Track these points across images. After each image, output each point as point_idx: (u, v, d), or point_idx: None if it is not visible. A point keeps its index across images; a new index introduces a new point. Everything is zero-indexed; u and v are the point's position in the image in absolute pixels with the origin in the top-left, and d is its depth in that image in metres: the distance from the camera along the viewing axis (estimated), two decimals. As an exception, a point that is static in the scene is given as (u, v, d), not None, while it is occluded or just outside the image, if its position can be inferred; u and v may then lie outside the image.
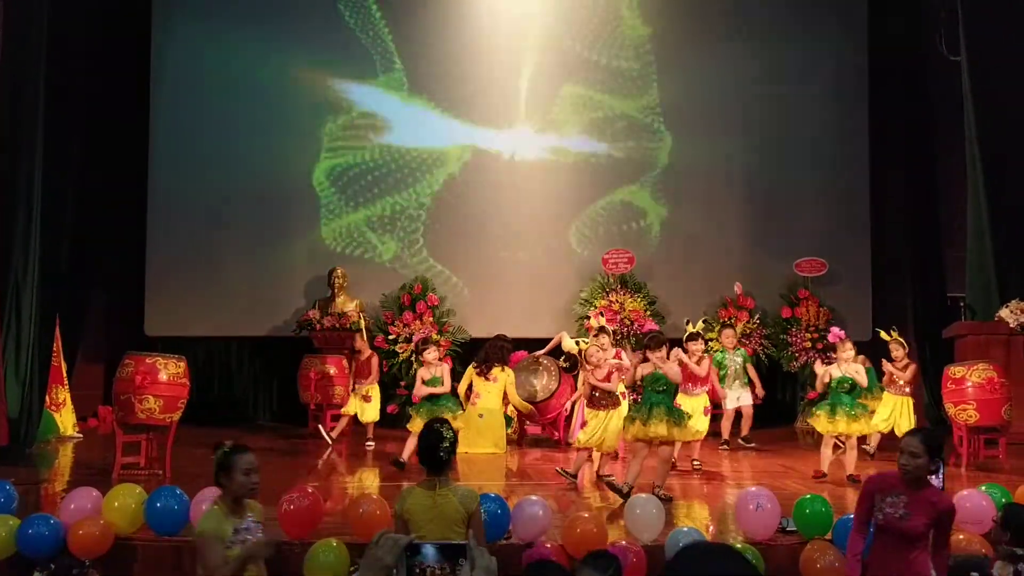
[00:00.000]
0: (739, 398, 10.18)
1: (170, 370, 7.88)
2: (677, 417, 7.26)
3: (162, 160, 12.32)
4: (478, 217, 12.52)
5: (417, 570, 2.31)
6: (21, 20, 8.93)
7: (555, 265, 12.47)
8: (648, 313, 11.91)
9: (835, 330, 9.30)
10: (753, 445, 10.08)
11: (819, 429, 8.29)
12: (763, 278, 12.36)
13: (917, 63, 12.44)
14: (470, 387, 10.01)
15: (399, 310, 11.82)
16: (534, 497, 5.95)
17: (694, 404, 8.87)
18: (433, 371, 8.75)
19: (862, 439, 8.74)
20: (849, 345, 8.55)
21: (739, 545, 5.56)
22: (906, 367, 9.43)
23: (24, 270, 8.84)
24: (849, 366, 8.27)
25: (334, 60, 12.55)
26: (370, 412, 10.18)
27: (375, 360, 10.45)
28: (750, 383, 10.33)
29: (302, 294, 12.16)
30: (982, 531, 5.78)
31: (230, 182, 12.31)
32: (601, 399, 7.81)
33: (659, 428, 7.10)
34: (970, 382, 8.62)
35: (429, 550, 2.33)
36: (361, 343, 10.46)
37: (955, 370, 8.84)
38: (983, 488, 6.20)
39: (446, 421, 4.56)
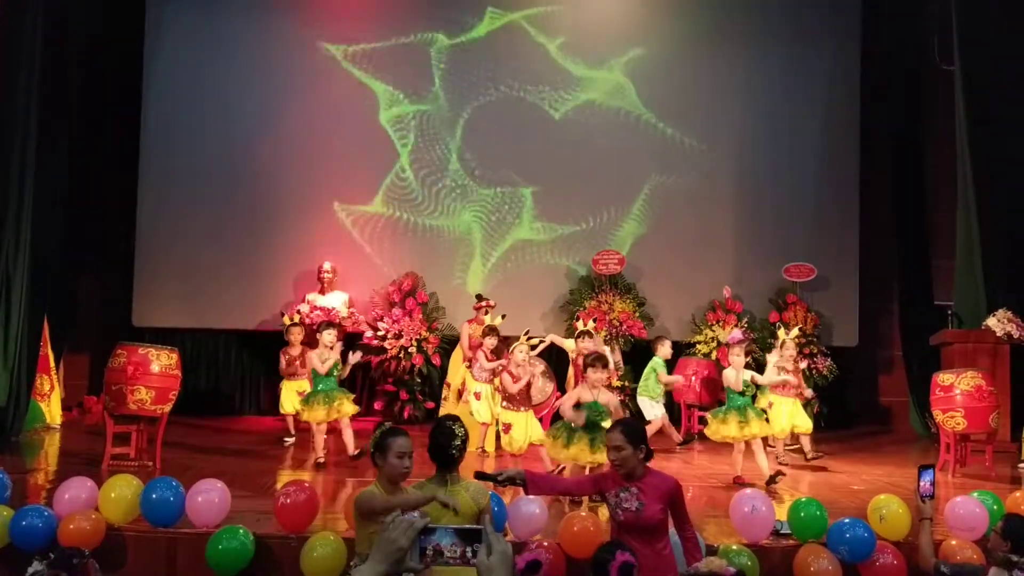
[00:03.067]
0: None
1: (162, 361, 7.84)
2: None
3: (152, 151, 12.19)
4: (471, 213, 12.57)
5: (430, 552, 2.27)
6: (16, 10, 8.86)
7: (545, 265, 12.49)
8: (637, 315, 11.94)
9: (735, 333, 9.35)
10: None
11: (712, 436, 8.25)
12: (752, 282, 12.43)
13: (909, 71, 12.54)
14: (463, 383, 10.00)
15: (388, 306, 11.79)
16: (530, 495, 5.93)
17: None
18: (327, 354, 8.58)
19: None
20: (741, 349, 8.58)
21: (734, 547, 5.58)
22: (794, 371, 9.41)
23: (14, 259, 8.77)
24: (743, 371, 8.29)
25: (331, 51, 12.52)
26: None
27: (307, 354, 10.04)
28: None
29: (291, 288, 12.10)
30: (974, 537, 5.84)
31: (220, 174, 12.21)
32: (519, 399, 8.01)
33: (601, 456, 6.79)
34: (959, 389, 8.66)
35: (444, 533, 2.29)
36: (296, 337, 10.13)
37: (944, 377, 8.90)
38: (975, 495, 6.25)
39: (457, 418, 4.55)
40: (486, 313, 10.10)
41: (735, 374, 8.17)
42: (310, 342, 11.08)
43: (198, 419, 10.81)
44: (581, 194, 12.63)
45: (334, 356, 8.61)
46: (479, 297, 10.59)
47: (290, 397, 9.80)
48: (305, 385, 9.64)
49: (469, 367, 9.85)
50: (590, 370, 7.02)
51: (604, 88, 12.77)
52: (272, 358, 11.65)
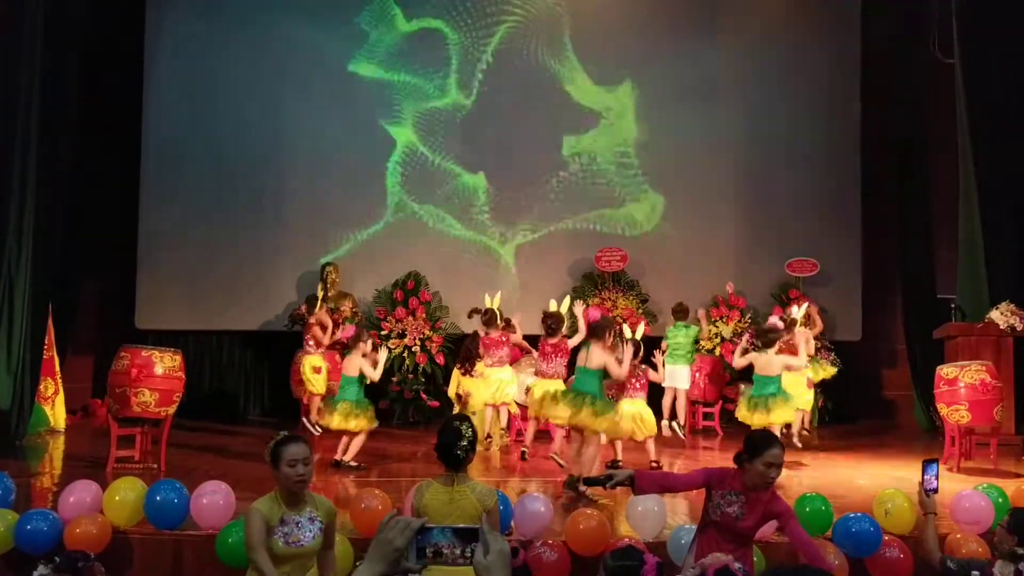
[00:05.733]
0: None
1: (166, 363, 7.84)
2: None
3: (153, 153, 12.24)
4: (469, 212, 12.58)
5: (428, 551, 2.26)
6: (16, 12, 8.87)
7: (547, 261, 12.49)
8: (640, 311, 11.94)
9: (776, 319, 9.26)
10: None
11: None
12: (755, 277, 12.43)
13: (910, 64, 12.49)
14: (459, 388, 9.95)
15: (392, 305, 11.80)
16: (536, 493, 5.95)
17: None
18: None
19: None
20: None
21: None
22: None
23: (17, 262, 8.77)
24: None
25: (330, 53, 12.52)
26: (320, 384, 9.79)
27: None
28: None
29: (294, 289, 12.11)
30: (980, 531, 5.82)
31: (222, 175, 12.24)
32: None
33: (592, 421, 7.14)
34: (963, 383, 8.63)
35: (441, 532, 2.27)
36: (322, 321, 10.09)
37: (948, 371, 8.87)
38: (980, 488, 6.24)
39: (467, 418, 4.54)
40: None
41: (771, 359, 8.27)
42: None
43: (202, 421, 10.81)
44: (583, 191, 12.65)
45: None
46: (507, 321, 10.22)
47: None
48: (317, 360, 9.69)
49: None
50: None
51: (603, 85, 12.76)
52: (277, 358, 11.71)
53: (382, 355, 8.71)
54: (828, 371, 10.83)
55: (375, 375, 8.48)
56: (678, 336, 10.52)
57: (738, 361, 8.67)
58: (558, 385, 7.76)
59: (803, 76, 12.80)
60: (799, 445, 9.28)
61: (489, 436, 9.31)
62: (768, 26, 12.76)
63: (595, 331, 7.31)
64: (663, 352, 9.77)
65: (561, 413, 7.25)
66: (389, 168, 12.52)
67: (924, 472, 4.71)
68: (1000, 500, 6.04)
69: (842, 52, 12.85)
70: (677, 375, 10.31)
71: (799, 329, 9.75)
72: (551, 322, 8.13)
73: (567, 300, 9.00)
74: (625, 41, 12.76)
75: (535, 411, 7.83)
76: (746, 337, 9.42)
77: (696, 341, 10.81)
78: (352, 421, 8.19)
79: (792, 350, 9.21)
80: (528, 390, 8.65)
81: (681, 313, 10.78)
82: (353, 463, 8.22)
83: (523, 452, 8.50)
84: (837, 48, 12.86)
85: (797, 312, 10.00)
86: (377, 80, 12.57)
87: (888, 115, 12.73)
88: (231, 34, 12.35)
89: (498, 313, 9.62)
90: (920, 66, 12.35)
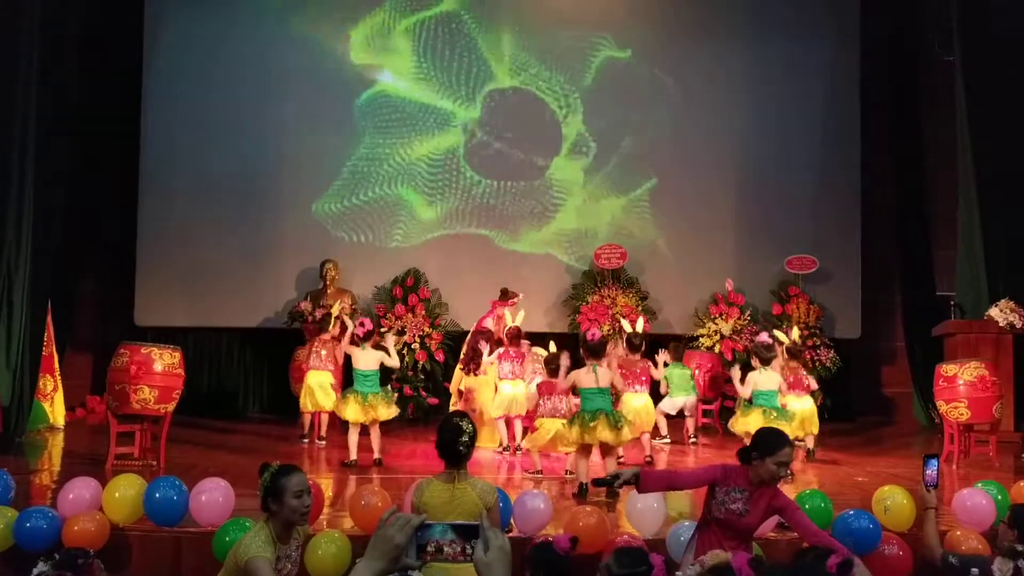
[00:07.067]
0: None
1: (165, 360, 7.82)
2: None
3: (153, 149, 12.21)
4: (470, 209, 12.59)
5: (429, 547, 2.25)
6: (14, 10, 8.86)
7: (547, 259, 12.49)
8: (640, 309, 11.93)
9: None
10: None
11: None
12: (754, 275, 12.44)
13: (910, 61, 12.50)
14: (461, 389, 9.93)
15: (391, 303, 11.80)
16: (536, 490, 5.94)
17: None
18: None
19: None
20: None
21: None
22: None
23: (16, 259, 8.76)
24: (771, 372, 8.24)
25: (330, 50, 12.50)
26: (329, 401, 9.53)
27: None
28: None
29: (293, 286, 12.11)
30: (981, 529, 5.81)
31: (221, 173, 12.22)
32: None
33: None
34: (962, 380, 8.66)
35: (442, 529, 2.27)
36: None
37: (947, 368, 8.89)
38: (979, 485, 6.24)
39: (465, 415, 4.53)
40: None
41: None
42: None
43: (201, 418, 10.80)
44: (582, 189, 12.64)
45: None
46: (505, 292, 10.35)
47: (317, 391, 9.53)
48: (329, 377, 9.58)
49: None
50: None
51: (603, 81, 12.75)
52: (276, 355, 11.69)
53: (390, 340, 8.82)
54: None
55: (396, 362, 8.65)
56: (676, 374, 10.03)
57: (745, 392, 8.34)
58: (559, 424, 7.63)
59: (802, 72, 12.81)
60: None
61: (506, 448, 9.24)
62: (767, 24, 12.75)
63: (598, 350, 7.29)
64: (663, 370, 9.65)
65: (570, 446, 7.43)
66: (389, 166, 12.49)
67: (925, 467, 4.72)
68: (1000, 497, 6.03)
69: (841, 48, 12.85)
70: (687, 404, 10.14)
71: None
72: (554, 365, 8.06)
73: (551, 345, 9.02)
74: (628, 40, 12.75)
75: (544, 448, 7.81)
76: (736, 368, 9.04)
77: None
78: (382, 411, 8.32)
79: (797, 376, 8.95)
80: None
81: (679, 351, 10.38)
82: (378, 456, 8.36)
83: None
84: (836, 44, 12.86)
85: (793, 334, 9.70)
86: (378, 77, 12.55)
87: (888, 112, 12.74)
88: (231, 32, 12.34)
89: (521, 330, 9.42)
90: (920, 63, 12.37)
